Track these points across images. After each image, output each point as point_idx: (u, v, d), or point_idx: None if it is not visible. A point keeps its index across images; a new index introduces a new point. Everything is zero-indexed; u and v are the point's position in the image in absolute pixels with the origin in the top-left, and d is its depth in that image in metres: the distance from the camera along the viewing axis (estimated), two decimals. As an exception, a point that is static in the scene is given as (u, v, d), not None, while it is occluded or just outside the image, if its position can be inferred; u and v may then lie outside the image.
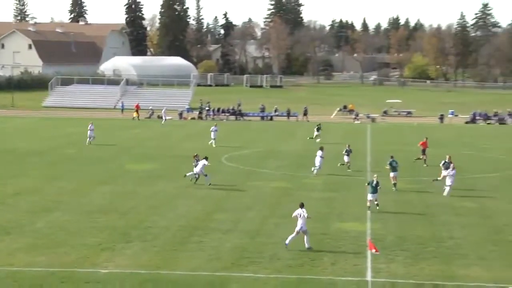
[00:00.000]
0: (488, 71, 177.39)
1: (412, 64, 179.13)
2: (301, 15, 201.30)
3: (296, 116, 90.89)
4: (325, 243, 29.26)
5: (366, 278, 24.63)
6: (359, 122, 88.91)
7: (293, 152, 58.37)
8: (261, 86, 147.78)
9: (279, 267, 26.02)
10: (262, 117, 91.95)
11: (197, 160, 42.94)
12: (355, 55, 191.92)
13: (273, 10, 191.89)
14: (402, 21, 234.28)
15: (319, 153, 46.82)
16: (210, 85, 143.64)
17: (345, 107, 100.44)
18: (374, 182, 35.32)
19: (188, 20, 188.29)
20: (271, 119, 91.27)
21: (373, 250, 26.43)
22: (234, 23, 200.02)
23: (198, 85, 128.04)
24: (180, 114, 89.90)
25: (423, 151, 51.52)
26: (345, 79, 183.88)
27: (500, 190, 41.50)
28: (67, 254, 27.26)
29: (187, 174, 42.49)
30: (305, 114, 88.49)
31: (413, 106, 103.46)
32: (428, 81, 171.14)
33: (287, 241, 28.27)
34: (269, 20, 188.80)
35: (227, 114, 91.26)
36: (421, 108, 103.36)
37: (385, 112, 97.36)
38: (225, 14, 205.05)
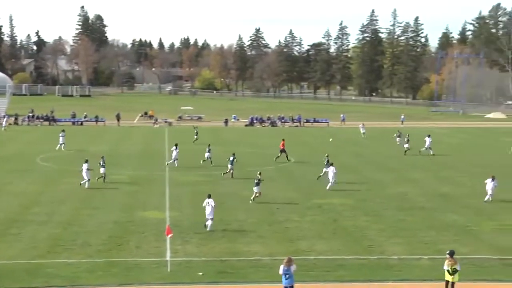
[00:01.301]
0: (262, 83, 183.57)
1: (201, 77, 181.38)
2: (106, 34, 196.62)
3: (103, 121, 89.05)
4: (130, 230, 28.80)
5: (166, 258, 24.50)
6: (158, 126, 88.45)
7: (102, 152, 56.91)
8: (71, 96, 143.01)
9: (90, 252, 25.25)
10: (73, 123, 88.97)
11: (103, 161, 41.34)
12: (153, 69, 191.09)
13: (80, 30, 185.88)
14: (192, 41, 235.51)
15: (174, 148, 48.04)
16: (25, 95, 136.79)
17: (146, 113, 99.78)
18: (258, 178, 35.60)
19: (2, 36, 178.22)
20: (81, 124, 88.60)
21: (169, 235, 26.38)
22: (45, 40, 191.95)
23: (14, 94, 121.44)
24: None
25: (281, 151, 52.83)
26: (146, 90, 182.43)
27: (274, 180, 42.98)
28: None
29: (82, 182, 39.37)
30: (118, 119, 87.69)
31: (203, 112, 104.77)
32: (214, 91, 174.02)
33: (208, 228, 28.76)
34: (77, 38, 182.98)
35: (41, 120, 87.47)
36: (209, 114, 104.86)
37: (180, 117, 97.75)
38: (37, 32, 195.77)
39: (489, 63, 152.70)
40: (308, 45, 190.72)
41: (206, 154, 49.34)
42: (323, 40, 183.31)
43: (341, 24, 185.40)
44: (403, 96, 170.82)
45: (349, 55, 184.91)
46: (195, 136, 65.54)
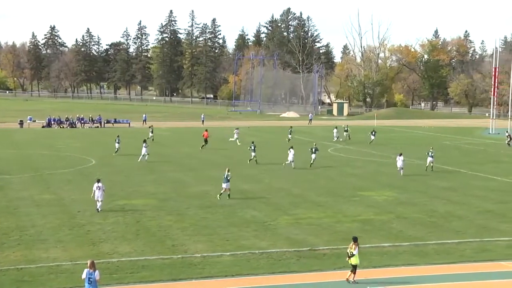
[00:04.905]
0: (59, 83, 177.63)
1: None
2: None
3: None
4: None
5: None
6: None
7: None
8: None
9: None
10: None
11: None
12: None
13: None
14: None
15: (143, 144, 52.64)
16: None
17: None
18: (226, 174, 36.45)
19: None
20: None
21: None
22: None
23: None
24: None
25: (205, 140, 61.07)
26: None
27: (73, 183, 41.67)
28: None
29: None
30: None
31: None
32: (7, 91, 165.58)
33: (98, 208, 32.24)
34: None
35: None
36: (2, 115, 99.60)
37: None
38: None
39: (283, 65, 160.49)
40: (107, 45, 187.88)
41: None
42: (122, 40, 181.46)
43: (140, 24, 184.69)
44: (203, 96, 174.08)
45: (149, 55, 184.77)
46: (151, 134, 67.59)
